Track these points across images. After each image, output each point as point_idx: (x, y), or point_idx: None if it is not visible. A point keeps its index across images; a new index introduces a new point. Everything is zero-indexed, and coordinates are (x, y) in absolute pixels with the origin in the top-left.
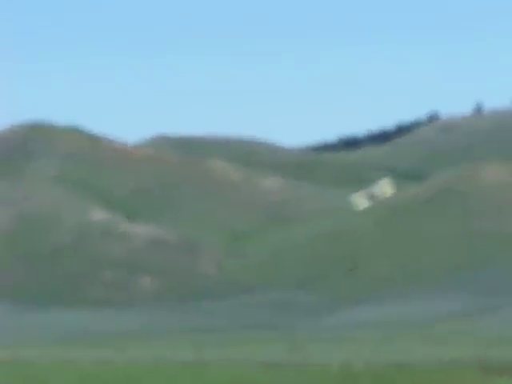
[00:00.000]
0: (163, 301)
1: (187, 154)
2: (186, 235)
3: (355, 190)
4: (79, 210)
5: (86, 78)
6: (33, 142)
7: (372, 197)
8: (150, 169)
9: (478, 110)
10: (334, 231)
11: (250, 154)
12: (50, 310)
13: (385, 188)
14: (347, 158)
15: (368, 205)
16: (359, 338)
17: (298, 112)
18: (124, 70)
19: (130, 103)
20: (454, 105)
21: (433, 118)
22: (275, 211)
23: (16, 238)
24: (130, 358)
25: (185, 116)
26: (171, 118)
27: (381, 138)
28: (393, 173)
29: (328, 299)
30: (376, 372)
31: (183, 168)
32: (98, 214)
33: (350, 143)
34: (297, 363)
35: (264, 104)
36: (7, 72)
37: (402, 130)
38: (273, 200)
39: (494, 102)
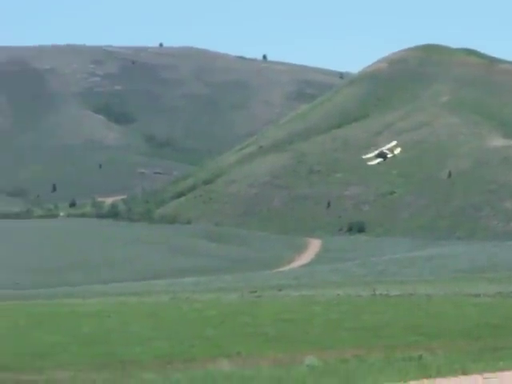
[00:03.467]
0: None
1: None
2: None
3: None
4: (476, 136)
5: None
6: (428, 66)
7: None
8: None
9: None
10: None
11: None
12: (448, 243)
13: None
14: None
15: None
16: None
17: None
18: None
19: None
20: None
21: None
22: None
23: (414, 164)
24: None
25: None
26: None
27: None
28: None
29: None
30: None
31: None
32: (496, 140)
33: None
34: None
35: None
36: None
37: None
38: None
39: None
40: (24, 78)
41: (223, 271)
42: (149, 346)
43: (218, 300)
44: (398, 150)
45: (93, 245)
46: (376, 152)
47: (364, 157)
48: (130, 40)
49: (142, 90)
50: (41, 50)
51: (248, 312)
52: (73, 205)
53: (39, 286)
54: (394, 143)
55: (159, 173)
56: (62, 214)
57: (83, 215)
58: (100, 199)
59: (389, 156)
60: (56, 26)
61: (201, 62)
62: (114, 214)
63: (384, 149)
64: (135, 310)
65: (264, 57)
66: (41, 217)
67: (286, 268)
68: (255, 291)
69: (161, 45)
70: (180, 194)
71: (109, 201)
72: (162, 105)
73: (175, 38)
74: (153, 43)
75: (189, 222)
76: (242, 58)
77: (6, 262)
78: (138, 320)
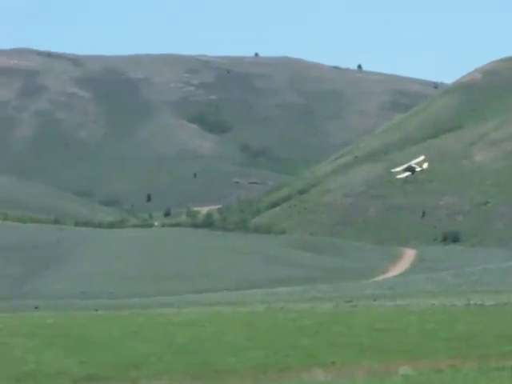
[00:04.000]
0: None
1: None
2: None
3: None
4: None
5: None
6: None
7: None
8: None
9: None
10: None
11: None
12: None
13: None
14: None
15: None
16: None
17: None
18: None
19: None
20: None
21: None
22: None
23: (508, 175)
24: None
25: None
26: None
27: None
28: None
29: None
30: None
31: None
32: None
33: None
34: None
35: None
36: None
37: None
38: None
39: None
40: (119, 88)
41: (318, 281)
42: (243, 355)
43: (313, 310)
44: (425, 165)
45: (188, 254)
46: (404, 166)
47: (392, 170)
48: (225, 49)
49: (236, 99)
50: (136, 60)
51: (343, 322)
52: (167, 214)
53: (134, 296)
54: (422, 158)
55: (254, 182)
56: (156, 223)
57: (178, 225)
58: (195, 209)
59: (417, 170)
60: (151, 36)
61: (296, 71)
62: (208, 223)
63: (412, 163)
64: (230, 319)
65: (359, 67)
66: (135, 226)
67: (381, 278)
68: (350, 301)
69: (256, 54)
70: (275, 204)
71: (204, 210)
72: (257, 114)
73: (270, 47)
74: (248, 53)
75: (283, 232)
76: (336, 67)
77: (100, 271)
78: (233, 330)
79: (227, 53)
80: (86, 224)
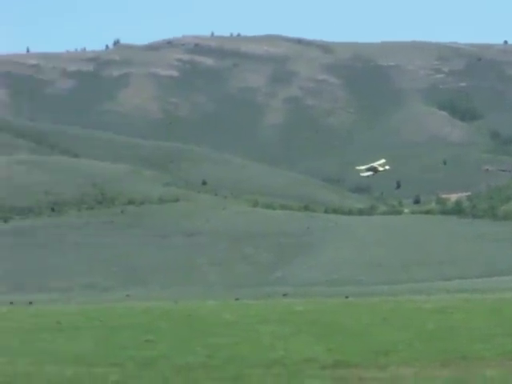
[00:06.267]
0: None
1: None
2: None
3: None
4: None
5: None
6: None
7: None
8: None
9: None
10: None
11: None
12: None
13: None
14: None
15: None
16: None
17: None
18: None
19: None
20: None
21: None
22: None
23: None
24: None
25: None
26: None
27: None
28: None
29: None
30: None
31: None
32: None
33: None
34: None
35: None
36: None
37: None
38: None
39: None
40: (368, 75)
41: None
42: (491, 342)
43: None
44: (387, 167)
45: (436, 242)
46: (367, 166)
47: (357, 168)
48: (475, 37)
49: (486, 86)
50: (385, 47)
51: None
52: (417, 202)
53: (383, 283)
54: (382, 161)
55: (504, 170)
56: (406, 210)
57: (427, 212)
58: (444, 196)
59: (380, 170)
60: (400, 23)
61: None
62: (458, 210)
63: (374, 164)
64: (478, 306)
65: None
66: (384, 213)
67: None
68: None
69: (505, 42)
70: None
71: (453, 197)
72: (507, 101)
73: None
74: (497, 40)
75: None
76: None
77: (349, 258)
78: (481, 317)
79: (477, 40)
80: (336, 211)
